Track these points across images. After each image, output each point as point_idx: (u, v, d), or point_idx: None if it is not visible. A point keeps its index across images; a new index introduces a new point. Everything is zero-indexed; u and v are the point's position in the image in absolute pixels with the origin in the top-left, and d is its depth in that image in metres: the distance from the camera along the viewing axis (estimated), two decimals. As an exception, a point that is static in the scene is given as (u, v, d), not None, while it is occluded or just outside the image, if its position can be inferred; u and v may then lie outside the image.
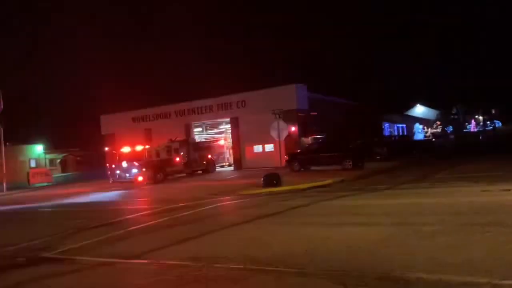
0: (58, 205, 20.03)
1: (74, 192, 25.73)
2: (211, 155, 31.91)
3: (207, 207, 13.88)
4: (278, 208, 12.27)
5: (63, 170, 51.46)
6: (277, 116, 20.30)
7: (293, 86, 30.39)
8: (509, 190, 11.43)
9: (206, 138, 36.94)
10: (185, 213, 12.94)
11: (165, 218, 12.15)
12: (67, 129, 55.47)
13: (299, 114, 29.67)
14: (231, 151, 37.59)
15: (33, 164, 46.01)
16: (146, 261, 7.55)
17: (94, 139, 44.48)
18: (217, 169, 35.66)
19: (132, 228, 10.97)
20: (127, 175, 26.02)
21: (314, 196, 14.36)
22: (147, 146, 30.17)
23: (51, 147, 51.36)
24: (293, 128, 28.77)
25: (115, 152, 28.21)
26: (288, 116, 27.14)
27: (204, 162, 30.68)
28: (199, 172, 30.38)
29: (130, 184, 25.62)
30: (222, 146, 35.23)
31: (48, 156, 50.15)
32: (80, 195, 23.30)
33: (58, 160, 52.45)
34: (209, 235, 9.29)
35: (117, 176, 26.81)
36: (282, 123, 20.20)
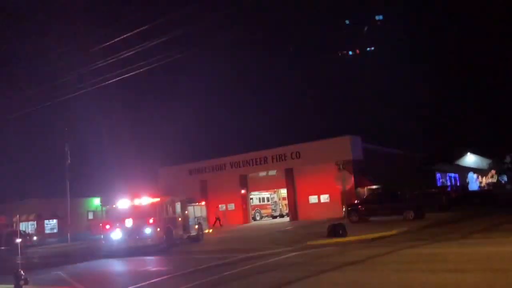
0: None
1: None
2: (199, 219, 24.49)
3: (281, 257, 14.25)
4: (358, 257, 12.53)
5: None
6: (341, 167, 20.88)
7: (348, 137, 31.04)
8: None
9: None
10: (261, 263, 13.40)
11: (241, 268, 12.42)
12: (123, 182, 57.82)
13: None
14: (282, 201, 38.23)
15: (91, 216, 48.10)
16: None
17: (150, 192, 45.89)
18: (268, 220, 36.15)
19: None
20: (137, 236, 19.75)
21: (387, 246, 14.49)
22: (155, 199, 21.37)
23: (107, 199, 53.53)
24: (350, 179, 29.13)
25: (106, 207, 20.86)
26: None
27: (196, 227, 23.67)
28: (185, 238, 22.61)
29: (144, 248, 19.80)
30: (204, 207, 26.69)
31: (105, 208, 52.20)
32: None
33: (114, 213, 54.37)
34: (301, 281, 9.68)
35: (115, 241, 20.21)
36: (346, 173, 20.69)
